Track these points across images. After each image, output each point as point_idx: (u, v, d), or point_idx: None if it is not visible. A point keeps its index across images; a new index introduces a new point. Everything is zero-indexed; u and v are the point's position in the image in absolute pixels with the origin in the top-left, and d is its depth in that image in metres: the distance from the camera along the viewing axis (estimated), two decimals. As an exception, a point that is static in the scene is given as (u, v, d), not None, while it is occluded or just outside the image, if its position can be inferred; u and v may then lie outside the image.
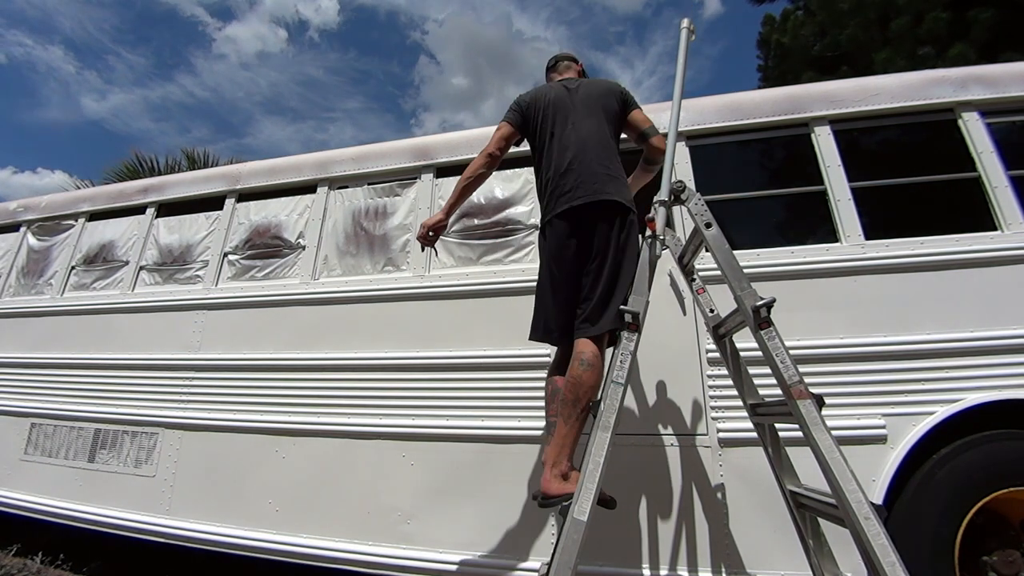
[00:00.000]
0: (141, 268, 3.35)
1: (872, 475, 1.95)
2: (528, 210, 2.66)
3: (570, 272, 1.77)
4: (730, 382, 2.15)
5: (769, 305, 1.55)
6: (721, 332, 1.90)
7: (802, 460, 1.66)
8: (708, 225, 1.71)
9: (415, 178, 2.91)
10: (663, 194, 1.76)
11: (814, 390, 2.03)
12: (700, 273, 2.11)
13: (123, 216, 3.59)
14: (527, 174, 2.71)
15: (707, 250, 1.74)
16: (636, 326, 1.59)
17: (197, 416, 2.81)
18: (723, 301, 1.90)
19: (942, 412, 1.96)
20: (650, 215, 1.74)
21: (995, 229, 2.16)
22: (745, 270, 2.21)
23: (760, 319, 1.55)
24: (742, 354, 1.91)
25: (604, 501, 1.57)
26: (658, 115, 2.60)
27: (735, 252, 2.31)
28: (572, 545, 1.40)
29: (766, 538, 2.00)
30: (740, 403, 2.12)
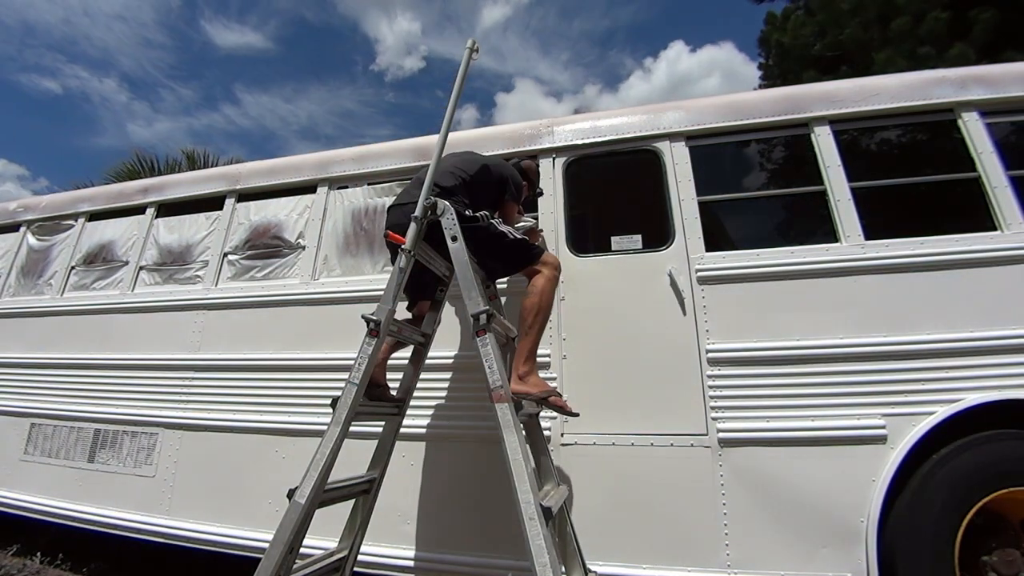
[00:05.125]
0: (141, 268, 3.34)
1: (872, 475, 1.95)
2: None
3: None
4: (730, 382, 2.16)
5: (489, 315, 1.71)
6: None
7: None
8: (454, 239, 1.85)
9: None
10: (417, 211, 1.87)
11: (814, 390, 2.08)
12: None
13: (123, 216, 3.58)
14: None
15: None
16: (377, 332, 1.75)
17: (197, 416, 2.81)
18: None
19: (942, 412, 1.96)
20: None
21: (995, 229, 2.16)
22: (745, 270, 2.25)
23: (478, 326, 1.71)
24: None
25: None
26: (658, 116, 2.62)
27: (735, 252, 2.35)
28: (288, 523, 1.57)
29: (766, 538, 2.00)
30: (740, 403, 2.14)
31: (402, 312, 2.19)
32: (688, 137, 2.53)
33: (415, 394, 2.21)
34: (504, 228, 2.06)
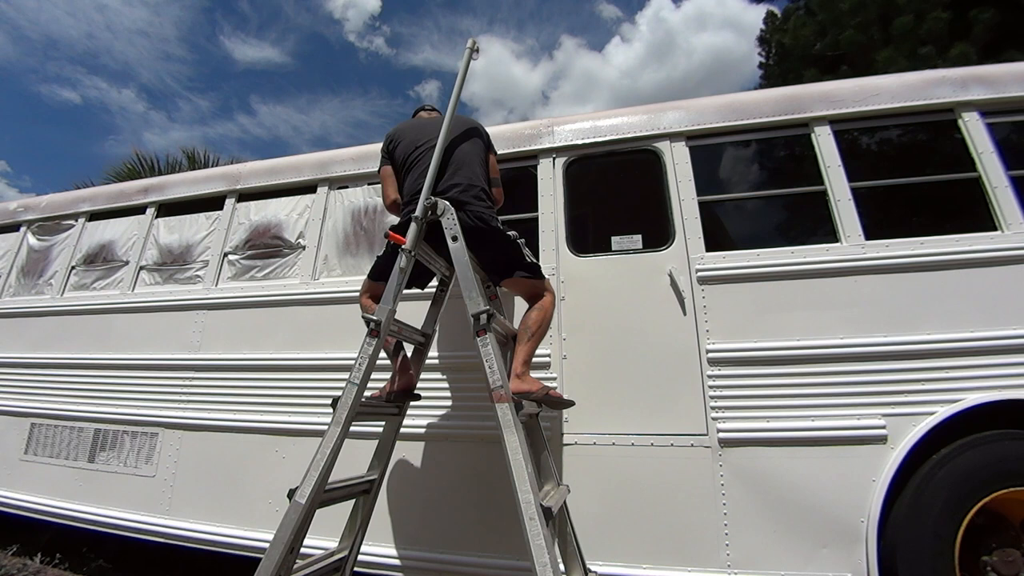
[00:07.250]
0: (141, 268, 3.34)
1: (872, 475, 1.95)
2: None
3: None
4: (730, 382, 2.16)
5: (489, 315, 1.71)
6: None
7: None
8: (454, 239, 1.85)
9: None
10: (417, 211, 1.88)
11: (814, 390, 2.08)
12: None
13: (123, 216, 3.58)
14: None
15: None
16: (377, 332, 1.76)
17: (197, 416, 2.81)
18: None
19: (942, 412, 1.96)
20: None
21: (995, 229, 2.16)
22: (745, 270, 2.25)
23: (479, 326, 1.71)
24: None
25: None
26: (658, 116, 2.62)
27: (735, 252, 2.35)
28: (288, 523, 1.57)
29: (766, 538, 2.00)
30: (740, 403, 2.14)
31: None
32: (688, 137, 2.54)
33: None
34: (526, 249, 2.15)
